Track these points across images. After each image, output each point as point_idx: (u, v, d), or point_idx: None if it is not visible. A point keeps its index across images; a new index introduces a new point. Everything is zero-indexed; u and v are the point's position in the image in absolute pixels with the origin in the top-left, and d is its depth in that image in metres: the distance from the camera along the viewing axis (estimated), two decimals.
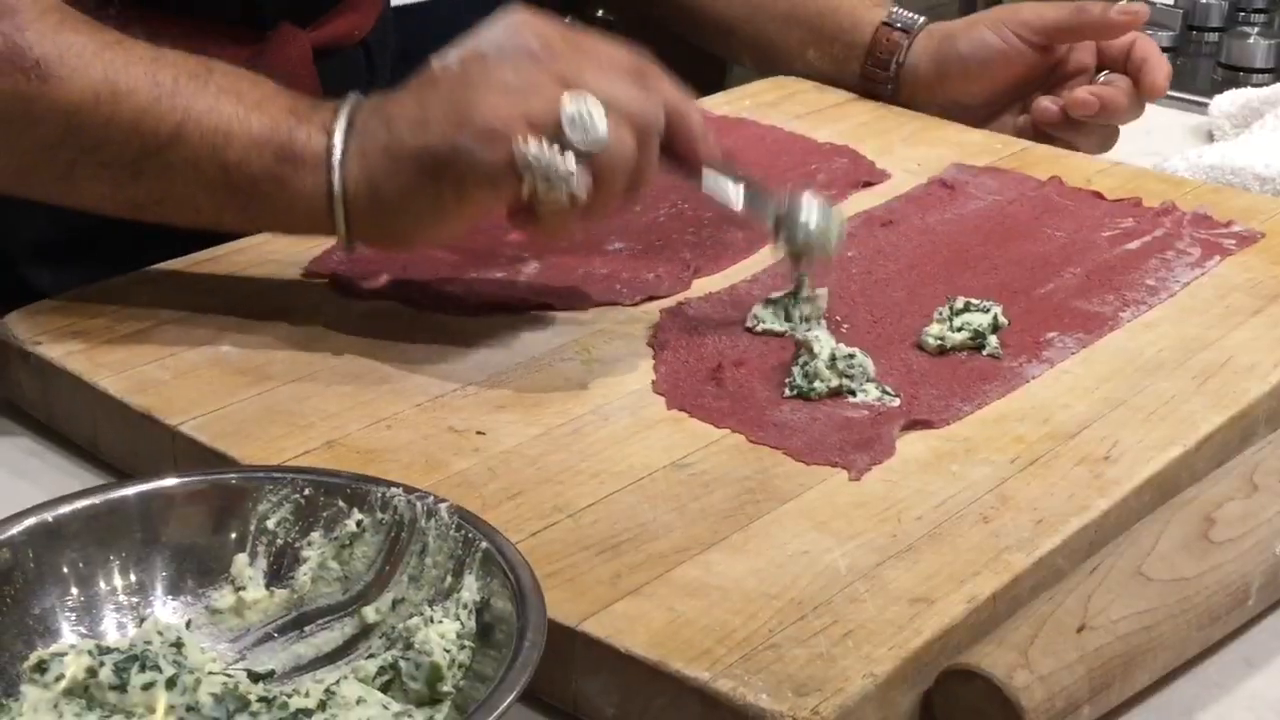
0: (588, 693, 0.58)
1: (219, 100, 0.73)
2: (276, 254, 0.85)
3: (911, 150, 1.04)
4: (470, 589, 0.56)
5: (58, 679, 0.51)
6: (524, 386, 0.74)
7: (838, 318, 0.81)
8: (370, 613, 0.58)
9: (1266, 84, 1.21)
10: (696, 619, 0.58)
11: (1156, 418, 0.72)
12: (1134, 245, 0.90)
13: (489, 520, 0.60)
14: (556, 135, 0.70)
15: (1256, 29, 1.31)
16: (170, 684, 0.51)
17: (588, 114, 0.70)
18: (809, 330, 0.77)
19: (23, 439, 0.76)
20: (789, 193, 0.79)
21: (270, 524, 0.61)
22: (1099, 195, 0.96)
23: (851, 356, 0.74)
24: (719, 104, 1.09)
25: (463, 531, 0.57)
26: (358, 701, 0.52)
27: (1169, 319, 0.81)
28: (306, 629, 0.59)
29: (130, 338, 0.77)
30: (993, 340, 0.78)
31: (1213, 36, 1.35)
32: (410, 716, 0.53)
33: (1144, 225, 0.92)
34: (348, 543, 0.60)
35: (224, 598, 0.60)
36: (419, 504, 0.59)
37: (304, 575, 0.60)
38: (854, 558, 0.61)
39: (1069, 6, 1.05)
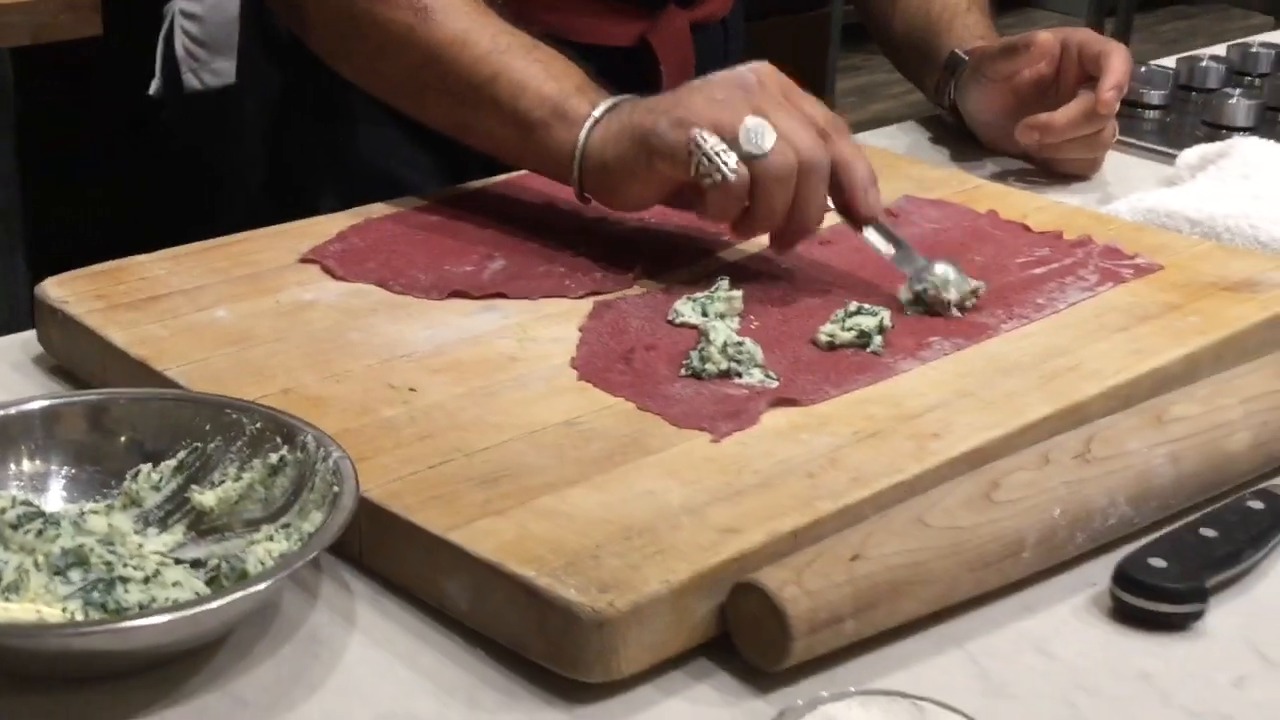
0: (449, 590, 0.70)
1: (530, 65, 1.00)
2: (279, 243, 0.99)
3: (880, 183, 1.15)
4: (312, 522, 0.69)
5: None
6: (461, 357, 0.87)
7: (751, 316, 0.92)
8: (264, 529, 0.71)
9: None
10: (540, 535, 0.70)
11: (993, 407, 0.82)
12: (1040, 270, 1.00)
13: (398, 454, 0.74)
14: (731, 140, 0.90)
15: (1240, 90, 1.39)
16: (39, 533, 0.66)
17: (759, 131, 0.90)
18: (714, 321, 0.89)
19: (49, 383, 0.91)
20: (930, 260, 0.95)
21: (233, 446, 0.75)
22: (1026, 227, 1.07)
23: (740, 344, 0.86)
24: None
25: (336, 477, 0.70)
26: (174, 584, 0.66)
27: (1043, 332, 0.92)
28: (227, 534, 0.72)
29: (143, 302, 0.91)
30: (877, 340, 0.89)
31: (1202, 96, 1.43)
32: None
33: (1057, 254, 1.03)
34: (272, 472, 0.74)
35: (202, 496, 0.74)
36: (321, 449, 0.72)
37: (236, 489, 0.73)
38: (687, 498, 0.73)
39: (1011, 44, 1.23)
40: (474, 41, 1.01)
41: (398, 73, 1.05)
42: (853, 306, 0.91)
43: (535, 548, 0.69)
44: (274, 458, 0.74)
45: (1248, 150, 1.19)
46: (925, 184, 1.15)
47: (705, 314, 0.91)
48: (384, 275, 0.96)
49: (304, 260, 0.98)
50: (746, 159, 0.90)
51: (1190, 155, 1.26)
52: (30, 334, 0.94)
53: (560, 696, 0.66)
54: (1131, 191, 1.23)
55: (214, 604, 0.63)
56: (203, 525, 0.74)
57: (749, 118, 0.91)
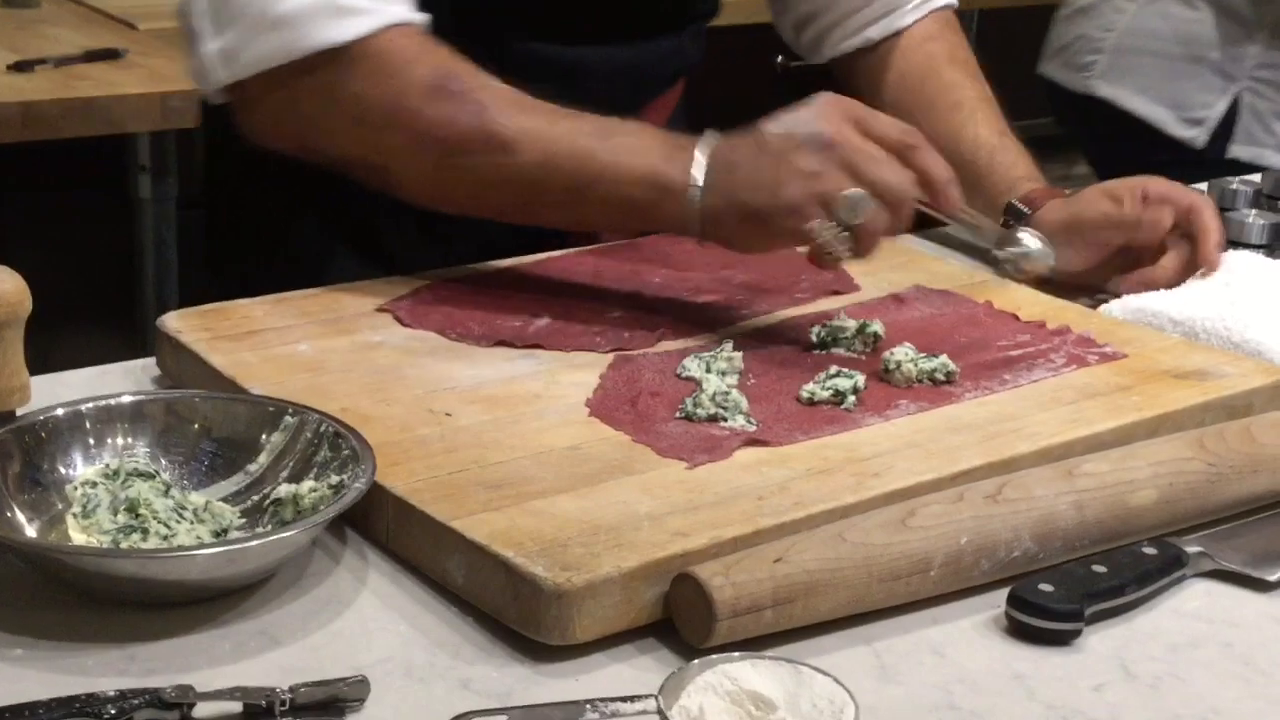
0: (449, 567, 0.86)
1: (617, 156, 1.13)
2: (361, 295, 1.17)
3: (893, 274, 1.29)
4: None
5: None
6: (495, 392, 1.03)
7: (750, 374, 1.07)
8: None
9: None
10: (525, 528, 0.86)
11: (934, 456, 0.96)
12: (1016, 352, 1.14)
13: (426, 462, 0.91)
14: (834, 211, 1.07)
15: (1256, 211, 1.51)
16: (123, 482, 0.86)
17: (857, 203, 1.07)
18: (709, 375, 1.04)
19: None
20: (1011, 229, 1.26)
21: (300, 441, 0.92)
22: (1016, 317, 1.21)
23: (728, 394, 1.01)
24: None
25: (362, 469, 0.88)
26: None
27: (1001, 402, 1.05)
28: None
29: (243, 335, 1.09)
30: (851, 399, 1.03)
31: (1227, 216, 1.55)
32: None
33: (1035, 340, 1.16)
34: (335, 490, 0.90)
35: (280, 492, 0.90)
36: (364, 452, 0.89)
37: (311, 499, 0.90)
38: (653, 509, 0.88)
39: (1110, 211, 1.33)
40: (563, 157, 1.13)
41: (500, 202, 1.17)
42: (833, 370, 1.06)
43: (519, 536, 0.85)
44: (335, 479, 0.90)
45: (1234, 262, 1.31)
46: (938, 277, 1.29)
47: (708, 370, 1.07)
48: (443, 325, 1.13)
49: (379, 310, 1.15)
50: (848, 224, 1.07)
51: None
52: (150, 360, 1.12)
53: (527, 655, 0.82)
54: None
55: (252, 544, 0.81)
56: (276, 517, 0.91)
57: (846, 192, 1.06)
